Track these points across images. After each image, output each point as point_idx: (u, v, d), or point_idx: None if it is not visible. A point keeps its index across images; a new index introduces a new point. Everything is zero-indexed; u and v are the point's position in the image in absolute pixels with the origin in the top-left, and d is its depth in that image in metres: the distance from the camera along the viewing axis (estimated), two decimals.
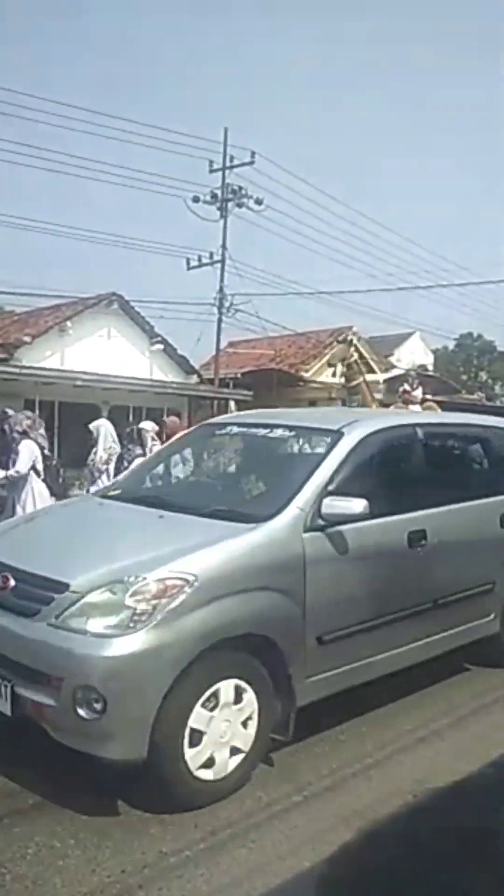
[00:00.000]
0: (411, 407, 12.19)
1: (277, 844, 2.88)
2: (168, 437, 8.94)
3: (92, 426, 8.09)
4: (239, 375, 20.56)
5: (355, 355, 11.43)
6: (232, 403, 18.52)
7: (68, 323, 17.93)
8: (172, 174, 40.93)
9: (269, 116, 74.37)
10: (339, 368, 11.76)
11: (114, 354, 18.15)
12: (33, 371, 15.99)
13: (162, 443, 8.54)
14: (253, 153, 19.89)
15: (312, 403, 19.70)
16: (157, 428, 8.38)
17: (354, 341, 12.19)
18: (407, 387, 12.63)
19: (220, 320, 20.49)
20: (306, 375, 21.64)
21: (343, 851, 2.84)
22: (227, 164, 20.07)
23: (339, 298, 48.92)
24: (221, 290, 20.27)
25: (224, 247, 20.17)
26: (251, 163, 19.94)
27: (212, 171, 20.20)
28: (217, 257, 20.33)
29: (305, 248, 36.17)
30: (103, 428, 7.86)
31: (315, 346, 23.26)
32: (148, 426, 8.21)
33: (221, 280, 20.27)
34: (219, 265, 20.29)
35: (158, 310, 29.19)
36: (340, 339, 12.56)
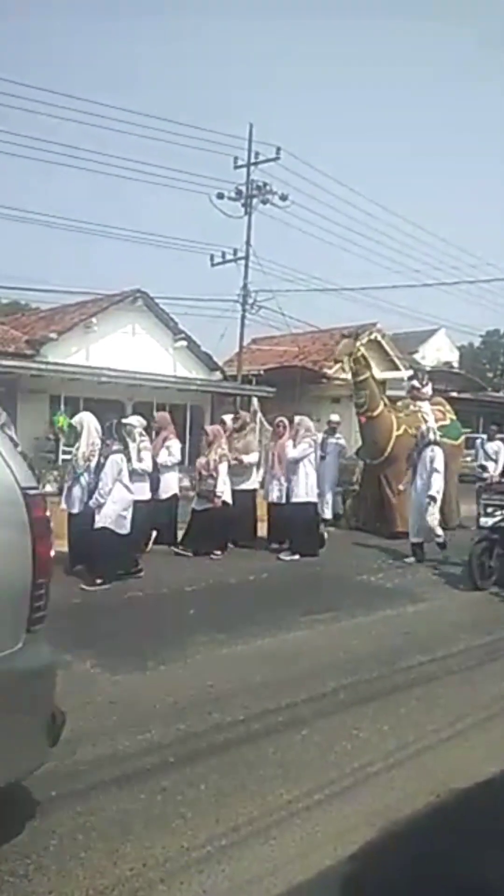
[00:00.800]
0: (419, 404, 11.85)
1: (299, 842, 2.86)
2: (157, 433, 8.77)
3: (75, 420, 7.74)
4: (262, 372, 20.56)
5: (362, 349, 11.20)
6: (255, 400, 18.52)
7: (93, 319, 18.05)
8: (197, 171, 41.05)
9: (286, 115, 74.03)
10: (347, 363, 11.23)
11: (138, 351, 18.24)
12: (59, 367, 16.14)
13: (151, 439, 8.42)
14: (278, 149, 19.83)
15: (336, 401, 19.65)
16: (144, 423, 8.32)
17: (373, 336, 12.05)
18: (416, 383, 12.33)
19: (243, 317, 20.50)
20: (329, 372, 21.51)
21: (365, 851, 2.82)
22: (252, 160, 20.04)
23: (364, 295, 48.61)
24: (245, 286, 20.27)
25: (248, 243, 20.16)
26: (276, 158, 19.86)
27: (237, 167, 20.17)
28: (241, 254, 20.31)
29: (330, 244, 36.15)
30: (86, 422, 7.54)
31: (339, 342, 23.16)
32: (135, 422, 8.12)
33: (245, 276, 20.28)
34: (242, 261, 20.28)
35: (183, 306, 29.25)
36: (346, 333, 12.01)
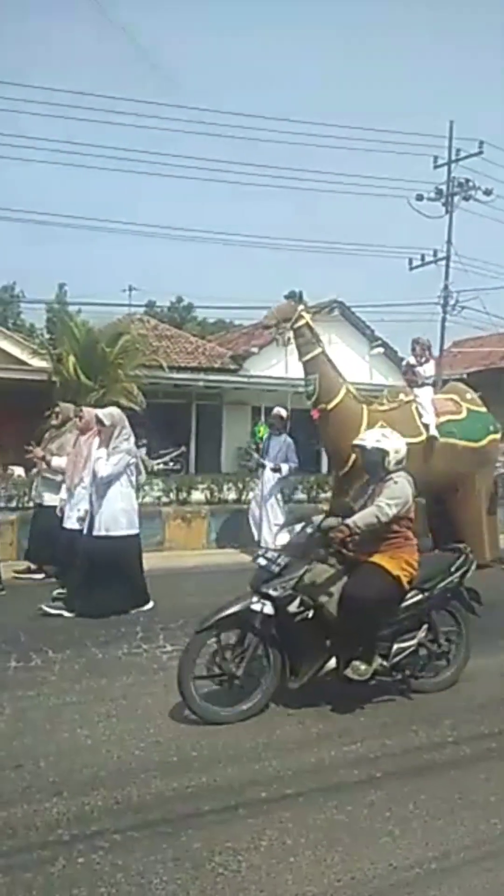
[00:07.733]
0: (417, 391, 8.20)
1: None
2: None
3: None
4: (465, 375, 19.66)
5: (306, 317, 7.90)
6: None
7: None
8: (391, 175, 40.46)
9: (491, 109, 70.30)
10: (282, 332, 7.97)
11: (335, 359, 18.37)
12: (257, 379, 16.89)
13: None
14: (481, 143, 18.92)
15: None
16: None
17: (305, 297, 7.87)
18: (412, 360, 8.75)
19: (444, 319, 19.76)
20: None
21: None
22: (453, 157, 19.32)
23: None
24: (446, 287, 19.51)
25: (449, 242, 19.42)
26: (479, 153, 18.97)
27: (436, 166, 19.57)
28: (441, 254, 19.64)
29: None
30: None
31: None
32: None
33: (446, 277, 19.51)
34: (443, 262, 19.58)
35: (379, 313, 28.92)
36: (286, 294, 8.09)
